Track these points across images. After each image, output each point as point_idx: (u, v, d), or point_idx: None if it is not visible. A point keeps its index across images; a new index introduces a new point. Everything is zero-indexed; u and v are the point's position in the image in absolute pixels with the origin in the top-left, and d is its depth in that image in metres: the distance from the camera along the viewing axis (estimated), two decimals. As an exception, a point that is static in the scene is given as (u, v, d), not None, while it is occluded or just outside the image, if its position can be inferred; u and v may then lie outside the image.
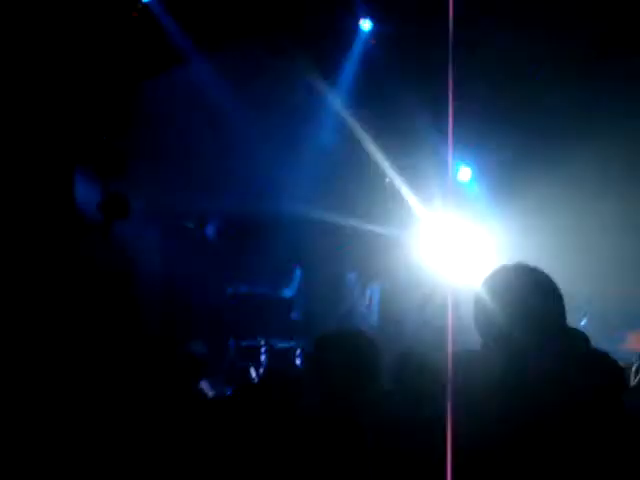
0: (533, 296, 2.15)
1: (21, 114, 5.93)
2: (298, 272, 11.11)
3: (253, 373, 8.96)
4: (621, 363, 3.34)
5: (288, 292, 11.01)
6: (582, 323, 8.85)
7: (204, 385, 7.17)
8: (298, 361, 9.37)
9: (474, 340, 2.37)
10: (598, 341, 2.44)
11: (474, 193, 11.20)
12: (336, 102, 10.57)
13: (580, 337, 2.76)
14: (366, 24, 10.08)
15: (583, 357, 2.26)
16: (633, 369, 4.40)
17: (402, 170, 10.96)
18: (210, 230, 10.46)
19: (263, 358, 9.44)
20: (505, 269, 2.26)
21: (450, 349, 2.13)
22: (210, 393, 6.33)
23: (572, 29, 8.71)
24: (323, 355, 2.87)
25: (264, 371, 9.14)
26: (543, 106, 9.64)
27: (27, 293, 5.59)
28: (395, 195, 11.01)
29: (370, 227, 10.90)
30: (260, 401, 4.39)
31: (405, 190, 10.83)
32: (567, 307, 2.22)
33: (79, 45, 6.67)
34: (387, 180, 11.27)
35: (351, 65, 10.43)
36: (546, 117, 9.76)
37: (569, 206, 9.51)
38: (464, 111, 9.72)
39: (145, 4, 8.26)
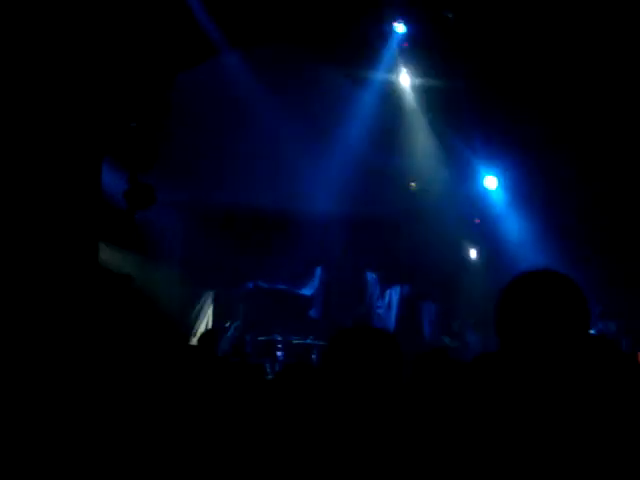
0: (559, 301, 2.15)
1: (53, 100, 5.99)
2: (319, 271, 11.15)
3: (268, 368, 9.00)
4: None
5: (308, 290, 11.06)
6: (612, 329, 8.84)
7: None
8: (314, 357, 9.41)
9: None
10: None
11: (500, 200, 11.17)
12: (365, 105, 10.58)
13: (606, 343, 2.77)
14: (400, 27, 10.05)
15: (608, 364, 2.26)
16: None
17: (427, 175, 10.99)
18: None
19: (279, 354, 9.48)
20: (532, 274, 2.27)
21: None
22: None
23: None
24: (337, 350, 2.87)
25: (280, 366, 9.18)
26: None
27: (51, 273, 5.65)
28: (422, 199, 11.02)
29: (394, 230, 10.91)
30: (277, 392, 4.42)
31: (429, 195, 10.84)
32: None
33: (114, 33, 6.72)
34: (413, 184, 11.29)
35: (384, 68, 10.44)
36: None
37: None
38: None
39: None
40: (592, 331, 8.55)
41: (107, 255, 7.86)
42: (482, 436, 2.15)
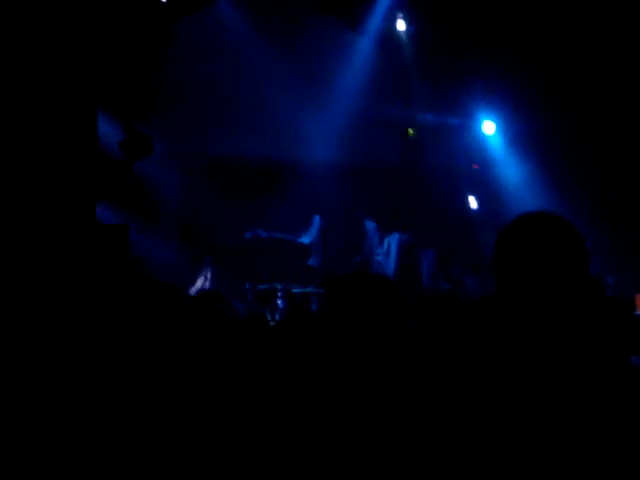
0: (557, 244, 2.15)
1: (44, 50, 5.91)
2: (317, 219, 11.15)
3: (269, 316, 9.06)
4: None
5: (306, 239, 11.07)
6: (609, 283, 8.86)
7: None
8: (314, 306, 9.46)
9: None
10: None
11: (498, 145, 11.14)
12: (360, 52, 10.48)
13: (598, 286, 2.80)
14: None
15: (602, 305, 2.28)
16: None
17: (425, 123, 10.93)
18: None
19: (279, 302, 9.54)
20: (528, 217, 2.26)
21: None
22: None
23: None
24: (334, 296, 2.88)
25: (280, 314, 9.24)
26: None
27: (47, 223, 5.63)
28: (419, 146, 10.99)
29: (392, 178, 10.89)
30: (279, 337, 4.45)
31: (427, 142, 10.80)
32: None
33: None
34: (410, 131, 11.23)
35: (377, 17, 10.31)
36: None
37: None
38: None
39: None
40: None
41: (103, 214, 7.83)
42: (482, 381, 2.17)
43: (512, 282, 2.23)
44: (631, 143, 9.41)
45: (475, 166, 11.28)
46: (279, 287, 9.83)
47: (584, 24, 8.99)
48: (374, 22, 10.40)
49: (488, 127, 10.97)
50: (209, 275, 10.23)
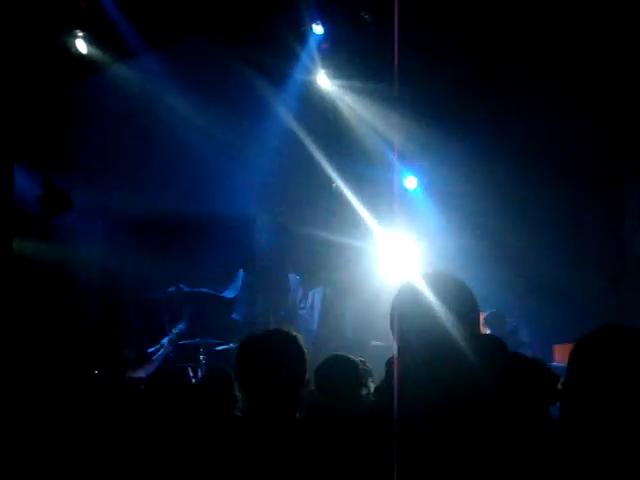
0: (446, 303, 2.19)
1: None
2: (241, 273, 11.11)
3: (191, 372, 8.92)
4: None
5: (230, 293, 11.00)
6: (523, 339, 8.99)
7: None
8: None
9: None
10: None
11: (420, 200, 11.33)
12: (284, 106, 10.59)
13: (496, 344, 2.84)
14: (318, 29, 10.08)
15: (499, 365, 2.31)
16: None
17: (350, 177, 11.05)
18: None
19: (201, 357, 9.40)
20: (422, 276, 2.30)
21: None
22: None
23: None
24: (245, 354, 2.89)
25: (203, 371, 9.11)
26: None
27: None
28: (342, 201, 11.08)
29: (315, 231, 10.93)
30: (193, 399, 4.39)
31: (352, 197, 10.91)
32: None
33: (17, 36, 6.59)
34: (334, 185, 11.33)
35: (301, 69, 10.47)
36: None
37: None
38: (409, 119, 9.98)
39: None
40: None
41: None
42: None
43: (405, 341, 2.26)
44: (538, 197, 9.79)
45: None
46: (202, 342, 9.69)
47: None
48: (298, 76, 10.56)
49: (410, 182, 11.16)
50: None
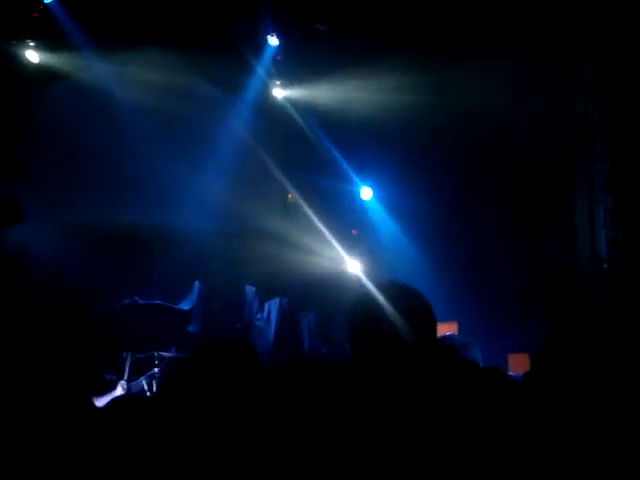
0: (402, 313, 2.20)
1: None
2: (197, 285, 11.03)
3: (146, 386, 8.82)
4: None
5: (186, 305, 10.91)
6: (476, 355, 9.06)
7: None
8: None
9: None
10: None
11: (376, 210, 11.41)
12: (238, 118, 10.59)
13: (449, 351, 2.86)
14: (273, 40, 10.11)
15: (454, 371, 2.33)
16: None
17: (305, 188, 11.07)
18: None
19: (157, 370, 9.29)
20: (378, 287, 2.31)
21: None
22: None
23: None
24: (196, 365, 2.87)
25: (158, 383, 9.01)
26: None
27: None
28: (297, 211, 11.09)
29: (271, 242, 10.91)
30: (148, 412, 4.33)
31: (308, 208, 10.92)
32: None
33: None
34: (289, 196, 11.35)
35: (256, 81, 10.48)
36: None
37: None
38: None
39: (46, 5, 8.08)
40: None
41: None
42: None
43: (361, 351, 2.27)
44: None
45: (354, 232, 11.49)
46: (157, 355, 9.59)
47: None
48: (253, 88, 10.56)
49: (365, 193, 11.23)
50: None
